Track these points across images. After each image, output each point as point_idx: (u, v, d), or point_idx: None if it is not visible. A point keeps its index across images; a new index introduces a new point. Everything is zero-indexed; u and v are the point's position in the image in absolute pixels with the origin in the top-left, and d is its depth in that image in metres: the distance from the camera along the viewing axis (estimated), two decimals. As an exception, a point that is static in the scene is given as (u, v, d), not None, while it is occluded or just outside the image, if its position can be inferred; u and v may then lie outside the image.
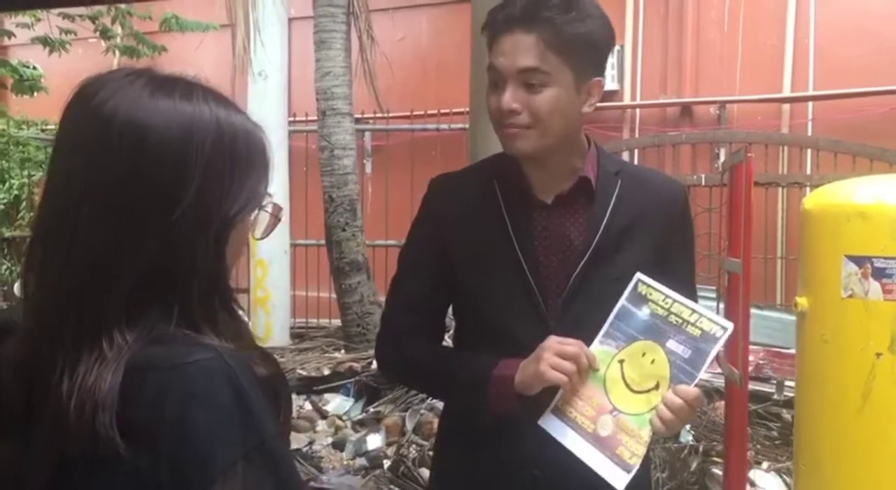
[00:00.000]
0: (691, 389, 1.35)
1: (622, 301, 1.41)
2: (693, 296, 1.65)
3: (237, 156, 0.93)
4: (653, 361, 1.39)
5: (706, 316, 1.36)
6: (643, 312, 1.40)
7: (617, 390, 1.41)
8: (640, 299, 1.40)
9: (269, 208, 1.01)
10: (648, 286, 1.39)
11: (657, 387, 1.38)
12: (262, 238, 1.03)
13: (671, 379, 1.37)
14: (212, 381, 0.86)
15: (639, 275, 1.40)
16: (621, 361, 1.41)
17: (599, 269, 1.48)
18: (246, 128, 0.95)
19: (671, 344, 1.37)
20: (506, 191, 1.54)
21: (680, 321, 1.37)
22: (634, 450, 1.38)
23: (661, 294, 1.38)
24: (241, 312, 0.98)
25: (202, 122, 0.90)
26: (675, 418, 1.35)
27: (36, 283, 0.92)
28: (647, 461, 1.69)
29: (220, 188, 0.91)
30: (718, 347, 1.34)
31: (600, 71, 1.51)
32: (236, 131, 0.93)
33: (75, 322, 0.88)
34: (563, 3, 1.43)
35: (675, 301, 1.38)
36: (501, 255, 1.51)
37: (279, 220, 1.03)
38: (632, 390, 1.40)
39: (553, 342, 1.40)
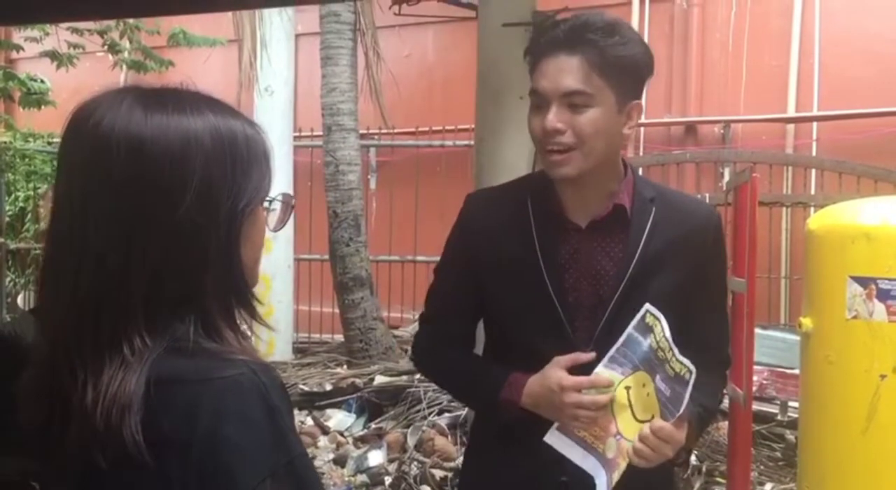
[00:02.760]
0: (665, 425, 1.39)
1: (630, 329, 1.42)
2: (724, 322, 1.70)
3: (237, 154, 0.95)
4: (648, 394, 1.42)
5: (677, 357, 1.38)
6: (646, 343, 1.41)
7: (624, 416, 1.44)
8: (645, 329, 1.41)
9: (280, 200, 1.03)
10: (654, 317, 1.40)
11: (653, 418, 1.42)
12: (277, 230, 1.05)
13: (661, 415, 1.41)
14: (244, 397, 0.87)
15: (647, 305, 1.41)
16: (627, 388, 1.43)
17: (633, 297, 1.50)
18: (244, 129, 0.97)
19: (658, 380, 1.40)
20: (539, 212, 1.56)
21: (663, 357, 1.39)
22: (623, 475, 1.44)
23: (660, 327, 1.39)
24: (259, 310, 0.99)
25: (198, 128, 0.93)
26: (650, 451, 1.40)
27: (49, 300, 0.94)
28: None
29: (223, 186, 0.93)
30: (689, 391, 1.37)
31: (639, 94, 1.53)
32: (234, 132, 0.95)
33: (93, 331, 0.89)
34: (607, 27, 1.47)
35: (664, 336, 1.39)
36: (529, 277, 1.53)
37: (292, 207, 1.05)
38: (636, 418, 1.43)
39: (571, 393, 1.44)
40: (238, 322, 0.95)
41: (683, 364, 1.36)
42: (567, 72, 1.46)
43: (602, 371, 1.45)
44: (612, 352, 1.44)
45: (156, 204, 0.90)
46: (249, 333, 0.98)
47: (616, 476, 1.44)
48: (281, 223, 1.04)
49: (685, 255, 1.55)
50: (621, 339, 1.43)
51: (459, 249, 1.65)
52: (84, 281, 0.90)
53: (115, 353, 0.88)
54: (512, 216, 1.58)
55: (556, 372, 1.47)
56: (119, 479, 0.88)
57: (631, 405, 1.43)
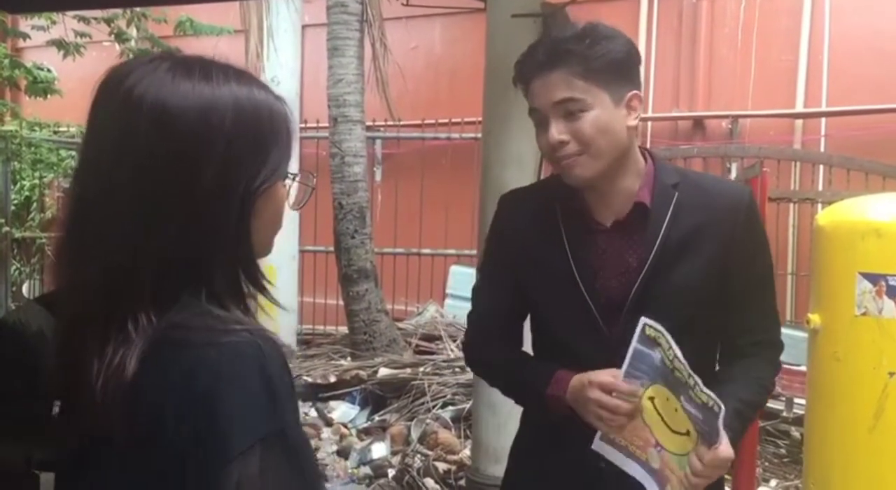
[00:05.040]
0: (715, 455, 1.38)
1: (634, 343, 1.42)
2: (768, 303, 1.65)
3: (260, 130, 0.96)
4: (676, 410, 1.41)
5: (700, 386, 1.35)
6: (656, 355, 1.40)
7: (659, 428, 1.44)
8: (650, 342, 1.41)
9: (299, 178, 1.04)
10: (655, 330, 1.39)
11: (688, 433, 1.40)
12: (297, 208, 1.07)
13: (699, 435, 1.39)
14: (244, 362, 0.88)
15: (643, 319, 1.41)
16: (651, 399, 1.43)
17: (658, 284, 1.53)
18: (268, 103, 0.98)
19: (685, 402, 1.39)
20: (566, 216, 1.61)
21: (683, 381, 1.37)
22: None
23: (666, 341, 1.38)
24: (267, 285, 0.99)
25: (221, 100, 0.93)
26: (706, 480, 1.42)
27: (71, 270, 0.94)
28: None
29: (243, 161, 0.93)
30: (721, 422, 1.36)
31: (634, 84, 1.56)
32: (258, 107, 0.96)
33: (105, 307, 0.90)
34: (579, 34, 1.53)
35: (675, 356, 1.38)
36: (562, 281, 1.58)
37: (313, 189, 1.07)
38: (671, 429, 1.42)
39: (595, 390, 1.47)
40: (244, 296, 0.96)
41: (710, 396, 1.35)
42: (552, 85, 1.52)
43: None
44: (625, 367, 1.45)
45: (179, 179, 0.90)
46: (254, 310, 0.98)
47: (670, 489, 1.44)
48: (300, 202, 1.05)
49: (714, 238, 1.56)
50: (629, 355, 1.44)
51: (496, 250, 1.72)
52: (104, 250, 0.91)
53: (122, 328, 0.89)
54: (543, 220, 1.63)
55: (594, 373, 1.50)
56: (125, 446, 0.89)
57: (661, 416, 1.42)
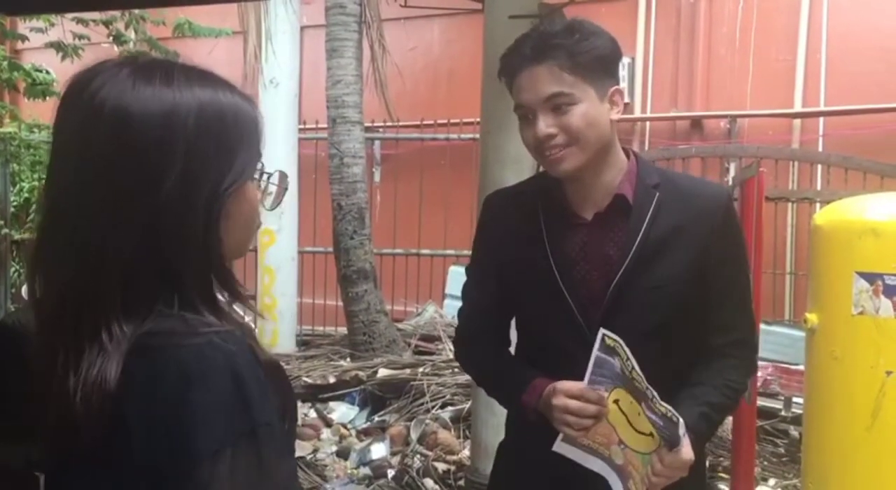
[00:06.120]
0: (675, 458, 1.44)
1: (595, 352, 1.46)
2: (742, 303, 1.68)
3: (225, 133, 0.94)
4: (639, 414, 1.44)
5: (657, 398, 1.40)
6: (615, 362, 1.44)
7: (623, 428, 1.48)
8: (609, 350, 1.44)
9: (275, 179, 1.02)
10: (613, 340, 1.43)
11: (651, 435, 1.45)
12: (271, 209, 1.05)
13: (660, 439, 1.44)
14: (209, 363, 0.86)
15: (602, 330, 1.44)
16: (616, 401, 1.47)
17: (637, 280, 1.56)
18: (234, 104, 0.96)
19: (646, 409, 1.43)
20: (547, 210, 1.64)
21: (642, 389, 1.41)
22: (639, 487, 1.48)
23: (623, 352, 1.42)
24: (241, 290, 0.97)
25: (182, 104, 0.92)
26: (666, 480, 1.47)
27: (41, 281, 0.94)
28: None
29: (207, 165, 0.92)
30: (683, 431, 1.42)
31: (616, 80, 1.61)
32: (222, 109, 0.95)
33: (74, 317, 0.89)
34: (566, 29, 1.56)
35: (633, 368, 1.41)
36: (541, 274, 1.60)
37: (286, 189, 1.05)
38: (635, 429, 1.46)
39: (560, 396, 1.51)
40: (220, 303, 0.94)
41: (667, 408, 1.40)
42: (541, 79, 1.54)
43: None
44: (588, 375, 1.48)
45: (141, 185, 0.89)
46: (243, 316, 0.97)
47: (632, 486, 1.48)
48: (276, 202, 1.04)
49: (692, 238, 1.59)
50: (592, 362, 1.47)
51: (482, 249, 1.76)
52: (70, 262, 0.90)
53: (95, 339, 0.88)
54: (523, 216, 1.66)
55: (560, 383, 1.53)
56: (89, 463, 0.88)
57: (626, 417, 1.46)
